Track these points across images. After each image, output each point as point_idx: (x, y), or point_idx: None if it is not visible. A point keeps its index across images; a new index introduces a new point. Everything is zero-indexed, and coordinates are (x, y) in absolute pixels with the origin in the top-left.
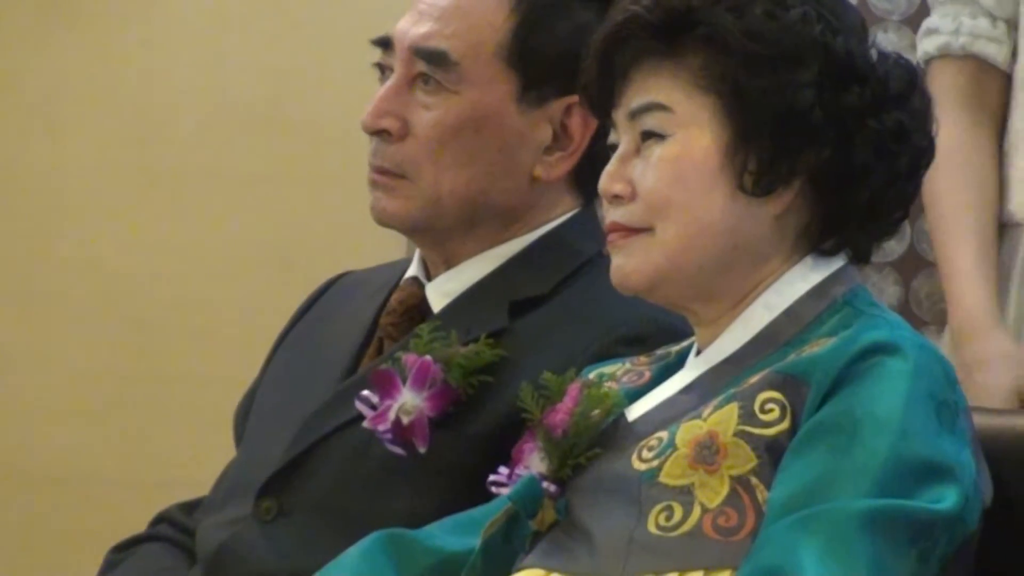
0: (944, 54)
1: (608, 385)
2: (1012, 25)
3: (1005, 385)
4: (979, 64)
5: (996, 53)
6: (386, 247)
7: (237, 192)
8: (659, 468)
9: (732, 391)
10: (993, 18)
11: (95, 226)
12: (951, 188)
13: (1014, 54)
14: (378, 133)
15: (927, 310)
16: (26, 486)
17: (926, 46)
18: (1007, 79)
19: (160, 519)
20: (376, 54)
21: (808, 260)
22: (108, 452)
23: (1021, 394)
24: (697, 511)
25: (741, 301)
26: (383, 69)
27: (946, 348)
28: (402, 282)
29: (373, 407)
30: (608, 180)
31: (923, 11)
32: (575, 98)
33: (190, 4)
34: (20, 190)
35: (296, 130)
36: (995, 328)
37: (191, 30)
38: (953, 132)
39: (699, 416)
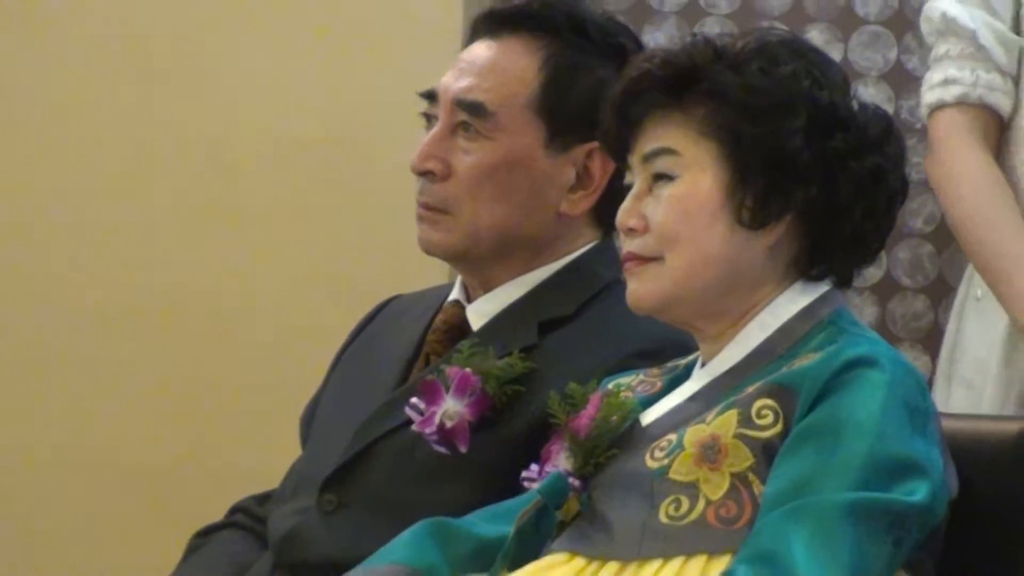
0: (961, 102)
1: (625, 394)
2: (1015, 80)
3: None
4: (990, 112)
5: (1005, 104)
6: (431, 273)
7: (298, 224)
8: (669, 466)
9: (732, 399)
10: (1003, 74)
11: (178, 254)
12: (993, 198)
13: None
14: (424, 174)
15: (901, 328)
16: (119, 480)
17: (942, 94)
18: (1002, 126)
19: (236, 509)
20: (423, 104)
21: (798, 285)
22: (189, 452)
23: None
24: (702, 503)
25: (740, 320)
26: (429, 118)
27: (971, 349)
28: (445, 304)
29: (420, 413)
30: (624, 215)
31: (898, 68)
32: (595, 144)
33: (258, 59)
34: (112, 227)
35: (351, 170)
36: None
37: (259, 80)
38: (981, 160)
39: (703, 421)
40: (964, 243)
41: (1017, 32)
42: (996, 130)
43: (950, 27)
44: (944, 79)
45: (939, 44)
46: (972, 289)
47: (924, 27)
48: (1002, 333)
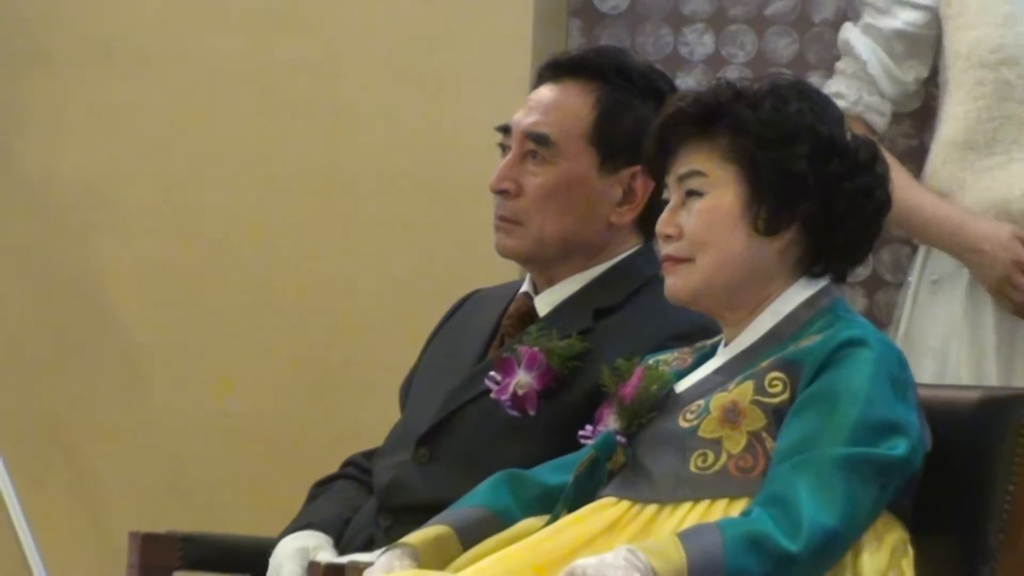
0: (845, 113)
1: (663, 368)
2: (896, 103)
3: (998, 269)
4: (866, 126)
5: (879, 123)
6: (506, 272)
7: (398, 232)
8: (698, 426)
9: (749, 372)
10: (883, 97)
11: (305, 259)
12: (905, 175)
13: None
14: (500, 192)
15: (885, 315)
16: (257, 441)
17: None
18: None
19: (348, 463)
20: (498, 136)
21: (802, 280)
22: (311, 417)
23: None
24: (724, 456)
25: (755, 309)
26: (504, 147)
27: (929, 325)
28: (517, 296)
29: (497, 383)
30: (662, 224)
31: None
32: (639, 167)
33: (370, 101)
34: (253, 237)
35: (441, 189)
36: (977, 218)
37: (369, 118)
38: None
39: (726, 389)
40: (904, 218)
41: (936, 55)
42: None
43: (849, 51)
44: (835, 92)
45: (841, 61)
46: (926, 275)
47: (838, 41)
48: (960, 309)
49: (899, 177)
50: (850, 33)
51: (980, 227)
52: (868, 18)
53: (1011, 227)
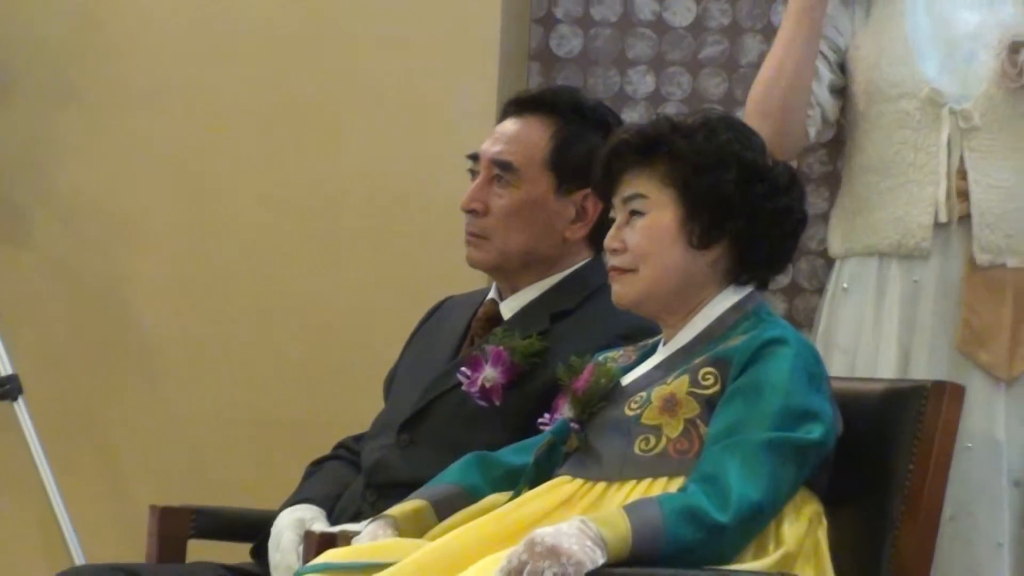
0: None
1: (610, 364)
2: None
3: None
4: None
5: (813, 131)
6: (475, 280)
7: (382, 246)
8: (641, 414)
9: (685, 367)
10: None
11: (302, 271)
12: None
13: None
14: (470, 211)
15: (803, 318)
16: (266, 427)
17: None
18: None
19: (339, 445)
20: (468, 163)
21: (731, 288)
22: (308, 407)
23: None
24: (664, 440)
25: (690, 312)
26: (473, 172)
27: (842, 325)
28: (484, 301)
29: (468, 377)
30: (609, 240)
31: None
32: (589, 190)
33: (359, 134)
34: (259, 254)
35: (419, 209)
36: None
37: (358, 149)
38: None
39: (665, 382)
40: (774, 77)
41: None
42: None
43: None
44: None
45: None
46: (838, 283)
47: None
48: (870, 313)
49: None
50: None
51: None
52: None
53: None
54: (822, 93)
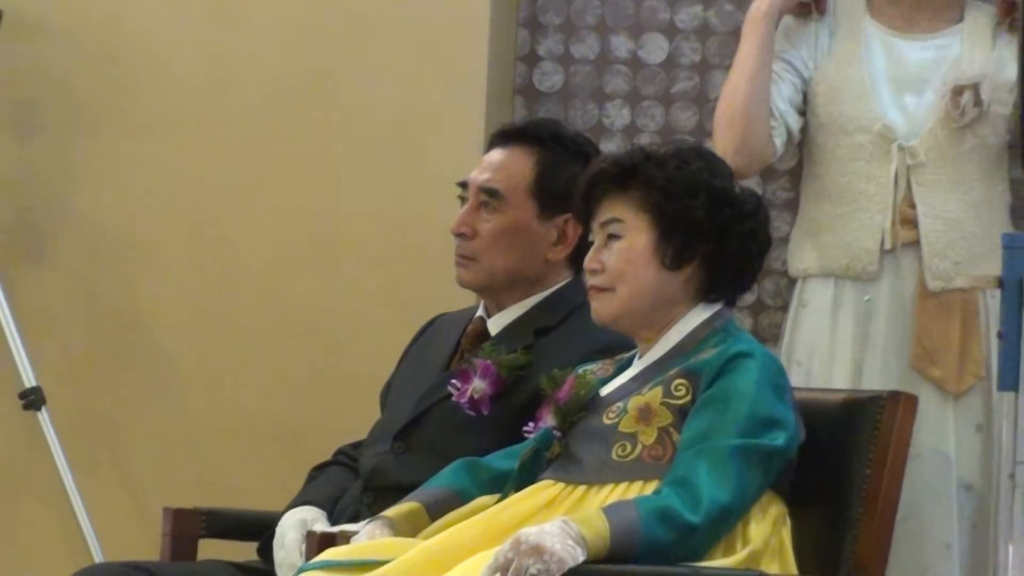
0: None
1: (590, 376)
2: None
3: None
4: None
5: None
6: (464, 298)
7: (380, 267)
8: (618, 422)
9: (659, 379)
10: (780, 116)
11: (306, 291)
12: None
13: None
14: (459, 235)
15: (767, 333)
16: (269, 435)
17: None
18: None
19: (339, 452)
20: (458, 190)
21: (701, 305)
22: (310, 415)
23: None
24: (639, 447)
25: (664, 328)
26: (462, 199)
27: (801, 340)
28: (473, 319)
29: (458, 389)
30: (588, 261)
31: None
32: (570, 215)
33: (358, 164)
34: (248, 275)
35: (414, 232)
36: None
37: (359, 176)
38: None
39: (640, 393)
40: (732, 103)
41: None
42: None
43: None
44: None
45: None
46: (801, 301)
47: None
48: (826, 330)
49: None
50: None
51: None
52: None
53: None
54: (787, 109)
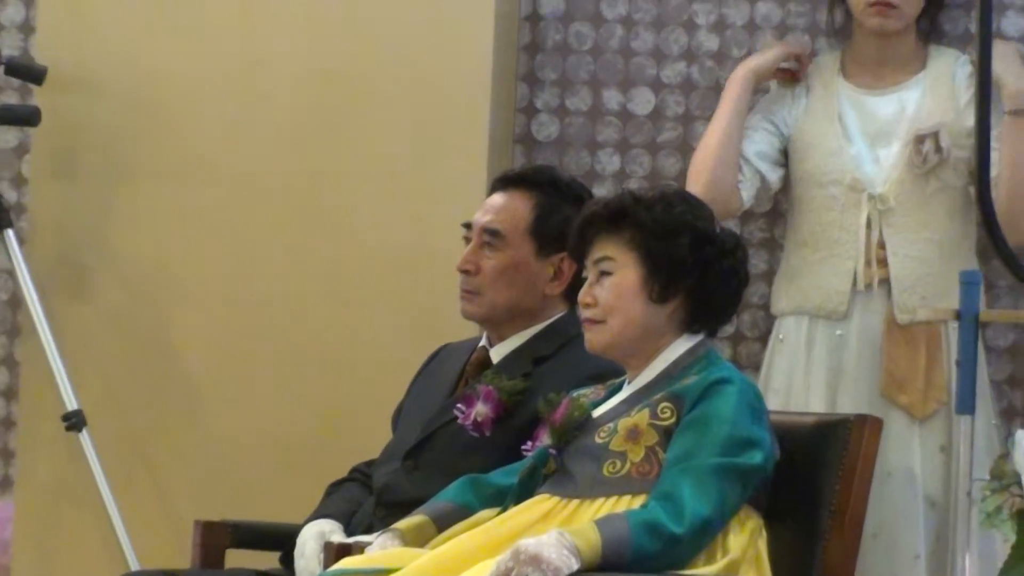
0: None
1: (583, 400)
2: (762, 185)
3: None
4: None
5: (747, 195)
6: (468, 329)
7: (393, 303)
8: (609, 441)
9: (646, 402)
10: (754, 172)
11: (323, 321)
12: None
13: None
14: (464, 271)
15: (746, 362)
16: (286, 454)
17: None
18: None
19: (354, 469)
20: (463, 231)
21: (685, 336)
22: (325, 436)
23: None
24: (629, 464)
25: (651, 357)
26: (467, 238)
27: (778, 369)
28: (477, 348)
29: (463, 412)
30: (582, 296)
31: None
32: (565, 253)
33: (377, 209)
34: (270, 309)
35: (424, 268)
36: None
37: (369, 220)
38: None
39: (629, 415)
40: (703, 154)
41: (785, 157)
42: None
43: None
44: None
45: None
46: (777, 335)
47: None
48: (801, 363)
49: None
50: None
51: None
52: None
53: None
54: (759, 162)
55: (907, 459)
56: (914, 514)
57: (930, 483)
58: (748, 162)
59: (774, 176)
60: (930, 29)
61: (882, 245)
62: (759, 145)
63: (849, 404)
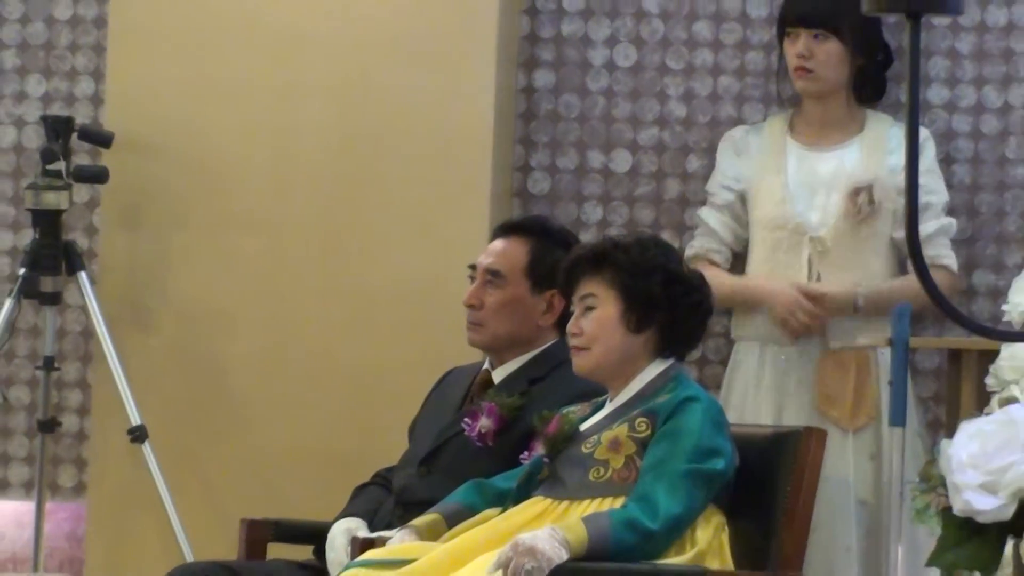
0: (696, 256)
1: (571, 415)
2: (731, 247)
3: (779, 314)
4: (711, 264)
5: (722, 261)
6: (474, 355)
7: (410, 332)
8: (594, 451)
9: (625, 417)
10: (722, 244)
11: (346, 354)
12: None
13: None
14: (470, 306)
15: (710, 383)
16: (317, 462)
17: (689, 252)
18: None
19: (376, 474)
20: (468, 271)
21: (658, 360)
22: (352, 446)
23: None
24: (611, 471)
25: (629, 378)
26: (472, 278)
27: (736, 389)
28: (481, 370)
29: (469, 425)
30: (570, 327)
31: None
32: (556, 290)
33: (393, 244)
34: (303, 338)
35: (436, 303)
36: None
37: (391, 253)
38: (714, 272)
39: (611, 428)
40: (721, 294)
41: (743, 203)
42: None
43: (702, 222)
44: (691, 244)
45: (698, 228)
46: (735, 360)
47: (697, 216)
48: (752, 383)
49: (718, 276)
50: (702, 212)
51: (767, 286)
52: (709, 200)
53: (788, 286)
54: (726, 235)
55: (841, 466)
56: (846, 512)
57: (861, 487)
58: (719, 242)
59: (737, 232)
60: (872, 95)
61: (819, 281)
62: (724, 220)
63: (792, 418)
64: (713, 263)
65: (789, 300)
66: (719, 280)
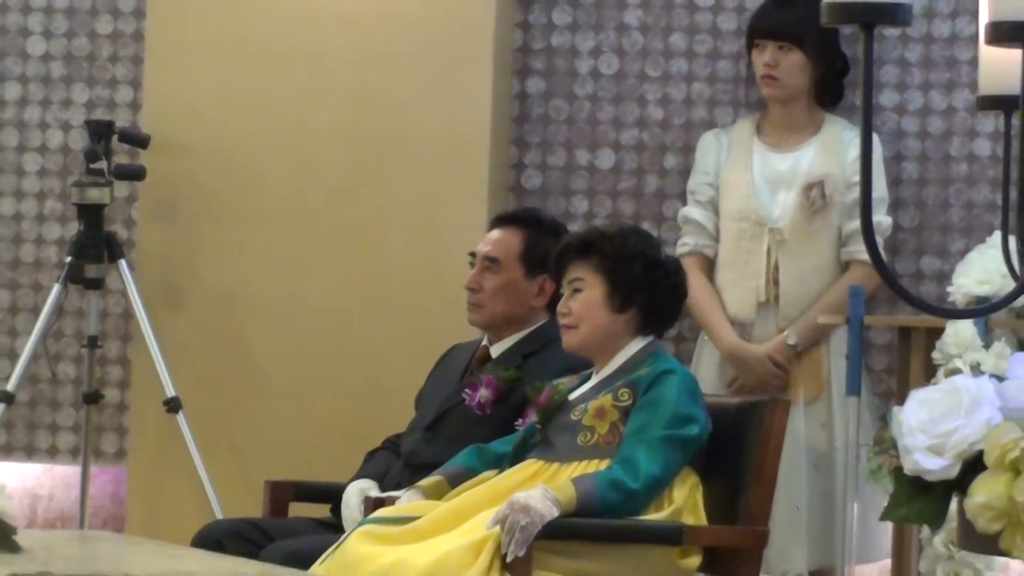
0: (692, 252)
1: (561, 386)
2: (716, 239)
3: (758, 374)
4: (705, 257)
5: (712, 255)
6: (473, 333)
7: (416, 314)
8: (582, 418)
9: (610, 388)
10: (711, 238)
11: (368, 331)
12: (703, 293)
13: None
14: (470, 289)
15: (685, 357)
16: (333, 428)
17: (683, 249)
18: (710, 262)
19: (387, 440)
20: (468, 258)
21: (639, 337)
22: (365, 415)
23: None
24: (597, 436)
25: (613, 354)
26: (472, 264)
27: (704, 363)
28: (480, 347)
29: (469, 395)
30: (560, 307)
31: None
32: (547, 275)
33: (403, 232)
34: (322, 326)
35: (440, 287)
36: (742, 344)
37: (397, 248)
38: (696, 280)
39: (596, 398)
40: (694, 312)
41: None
42: (706, 264)
43: (688, 219)
44: (683, 242)
45: (683, 227)
46: (703, 337)
47: (679, 216)
48: (715, 359)
49: (703, 296)
50: (688, 210)
51: (746, 349)
52: (691, 199)
53: (762, 351)
54: (712, 219)
55: (794, 432)
56: (799, 475)
57: (814, 451)
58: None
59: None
60: (831, 100)
61: (777, 268)
62: (707, 210)
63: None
64: (707, 258)
65: (765, 373)
66: (704, 303)
